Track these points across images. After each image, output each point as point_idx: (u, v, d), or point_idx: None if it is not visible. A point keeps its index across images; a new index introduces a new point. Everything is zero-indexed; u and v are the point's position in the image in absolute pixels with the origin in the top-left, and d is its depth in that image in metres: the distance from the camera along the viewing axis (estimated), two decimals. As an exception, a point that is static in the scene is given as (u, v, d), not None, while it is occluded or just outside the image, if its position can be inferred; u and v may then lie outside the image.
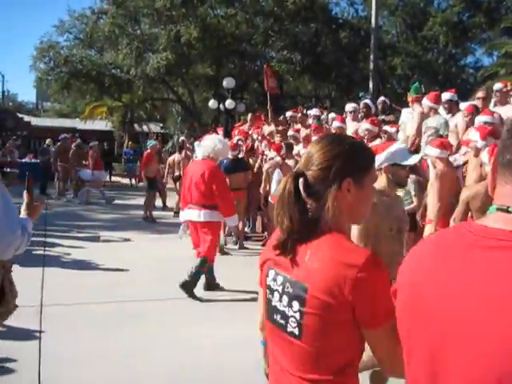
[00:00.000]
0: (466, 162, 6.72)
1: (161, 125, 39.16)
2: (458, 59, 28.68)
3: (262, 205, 9.80)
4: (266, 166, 9.45)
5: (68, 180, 17.46)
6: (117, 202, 16.20)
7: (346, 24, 25.26)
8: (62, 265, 7.93)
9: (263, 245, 9.89)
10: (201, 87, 26.96)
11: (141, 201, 15.40)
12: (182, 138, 16.55)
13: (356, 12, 29.81)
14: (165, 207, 14.55)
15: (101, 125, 35.63)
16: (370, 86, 23.59)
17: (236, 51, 22.38)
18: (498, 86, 7.78)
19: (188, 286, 6.37)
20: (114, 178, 23.61)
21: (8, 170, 16.03)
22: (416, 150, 7.42)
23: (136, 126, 35.34)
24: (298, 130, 10.91)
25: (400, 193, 6.84)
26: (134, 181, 22.35)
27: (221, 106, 19.54)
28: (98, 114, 34.36)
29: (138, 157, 23.05)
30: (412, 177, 6.74)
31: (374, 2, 22.31)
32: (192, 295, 6.38)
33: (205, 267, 6.61)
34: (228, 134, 17.81)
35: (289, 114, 12.55)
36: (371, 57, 23.01)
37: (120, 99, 26.39)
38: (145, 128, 37.27)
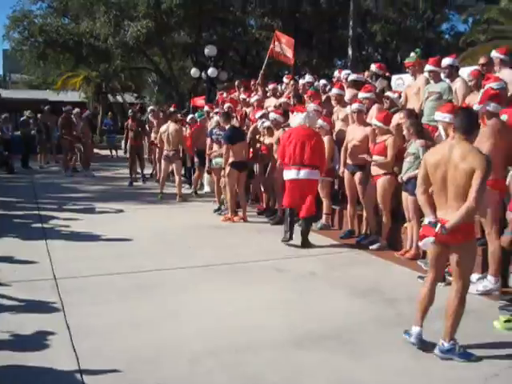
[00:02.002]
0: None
1: (135, 95, 38.48)
2: (435, 26, 28.77)
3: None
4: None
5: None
6: (102, 173, 15.97)
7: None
8: (64, 237, 7.78)
9: (260, 213, 9.89)
10: (178, 56, 26.52)
11: (125, 172, 15.21)
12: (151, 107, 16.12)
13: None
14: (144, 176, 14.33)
15: (73, 96, 34.83)
16: (350, 52, 23.51)
17: (217, 18, 21.96)
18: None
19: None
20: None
21: None
22: (417, 115, 7.44)
23: (109, 96, 34.66)
24: (288, 98, 10.79)
25: (410, 157, 6.92)
26: (114, 152, 22.00)
27: (202, 74, 19.25)
28: (72, 84, 33.57)
29: (117, 128, 22.74)
30: (421, 141, 6.77)
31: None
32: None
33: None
34: (210, 102, 17.57)
35: (271, 86, 12.33)
36: (350, 23, 22.85)
37: (97, 69, 25.71)
38: (118, 98, 36.60)
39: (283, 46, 13.70)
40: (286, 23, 22.18)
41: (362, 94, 8.17)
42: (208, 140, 10.63)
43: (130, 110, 15.65)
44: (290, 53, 13.56)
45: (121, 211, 9.96)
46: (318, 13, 23.46)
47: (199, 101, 21.65)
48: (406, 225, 7.35)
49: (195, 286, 5.73)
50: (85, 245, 7.36)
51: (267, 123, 9.48)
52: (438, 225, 4.01)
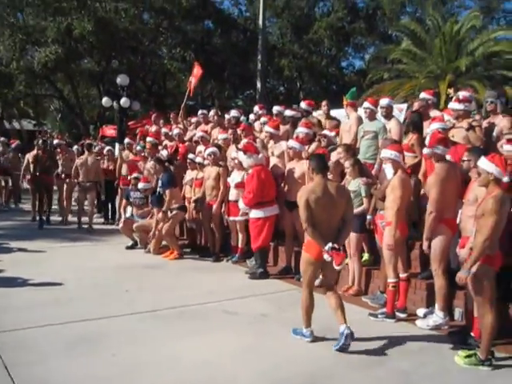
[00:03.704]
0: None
1: (34, 122, 36.73)
2: (338, 62, 30.01)
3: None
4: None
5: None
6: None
7: (235, 24, 25.34)
8: (-17, 282, 7.08)
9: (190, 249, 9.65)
10: (83, 83, 25.71)
11: (29, 205, 14.13)
12: (56, 141, 14.65)
13: (241, 12, 30.09)
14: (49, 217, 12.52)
15: (-36, 121, 32.58)
16: (258, 85, 23.88)
17: (129, 47, 21.52)
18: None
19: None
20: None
21: None
22: (354, 153, 7.57)
23: (5, 122, 32.83)
24: (206, 131, 10.73)
25: (351, 194, 6.99)
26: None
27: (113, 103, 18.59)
28: (-36, 109, 31.42)
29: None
30: (364, 179, 6.88)
31: (262, 3, 22.65)
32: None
33: None
34: (122, 134, 17.02)
35: (194, 119, 12.24)
36: (259, 57, 23.26)
37: (1, 95, 24.05)
38: (15, 125, 34.88)
39: (193, 75, 13.92)
40: (197, 55, 22.19)
41: (301, 129, 8.24)
42: (123, 202, 10.65)
43: (39, 139, 14.60)
44: (194, 81, 13.77)
45: (42, 250, 9.27)
46: (228, 46, 23.72)
47: (109, 131, 20.99)
48: (346, 261, 7.39)
49: (145, 335, 5.36)
50: (12, 291, 6.70)
51: (199, 159, 9.31)
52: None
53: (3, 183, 15.45)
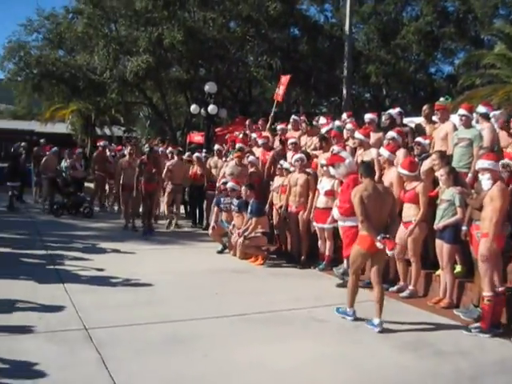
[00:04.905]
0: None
1: (123, 128, 38.23)
2: (426, 68, 29.22)
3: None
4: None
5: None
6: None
7: (321, 30, 25.28)
8: (81, 281, 7.37)
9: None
10: (171, 90, 26.51)
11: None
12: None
13: (327, 19, 30.01)
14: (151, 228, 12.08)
15: (60, 127, 34.37)
16: (344, 92, 23.67)
17: (218, 55, 22.00)
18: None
19: None
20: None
21: None
22: (448, 161, 7.31)
23: (97, 129, 34.37)
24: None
25: (444, 204, 6.78)
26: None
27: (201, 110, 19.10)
28: (59, 116, 33.17)
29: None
30: (459, 188, 6.63)
31: (348, 9, 22.43)
32: None
33: None
34: (210, 140, 17.46)
35: (279, 127, 12.31)
36: (345, 63, 23.06)
37: (91, 102, 25.39)
38: (106, 131, 36.37)
39: (280, 86, 14.01)
40: (283, 62, 22.30)
41: (390, 133, 8.10)
42: (215, 209, 10.50)
43: (145, 146, 14.88)
44: (282, 89, 13.85)
45: (133, 252, 9.61)
46: (314, 52, 23.68)
47: (196, 137, 21.56)
48: (438, 272, 7.18)
49: (234, 338, 5.43)
50: (106, 290, 7.00)
51: (286, 165, 9.34)
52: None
53: (107, 186, 15.78)
